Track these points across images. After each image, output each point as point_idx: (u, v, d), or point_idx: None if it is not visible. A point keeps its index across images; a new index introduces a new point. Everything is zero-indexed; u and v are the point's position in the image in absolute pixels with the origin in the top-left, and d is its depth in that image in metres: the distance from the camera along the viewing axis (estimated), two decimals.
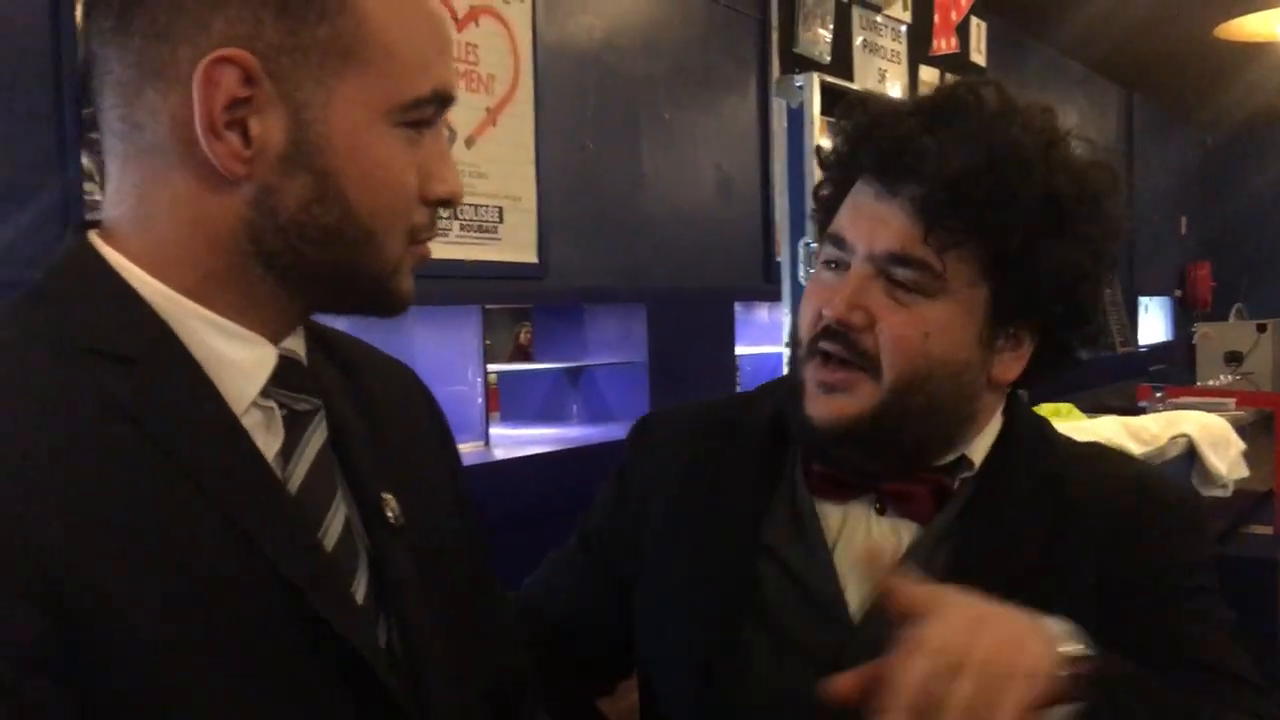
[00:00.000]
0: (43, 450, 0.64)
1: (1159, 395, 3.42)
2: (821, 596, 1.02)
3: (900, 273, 0.98)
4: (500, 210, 2.57)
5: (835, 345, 0.99)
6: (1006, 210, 0.96)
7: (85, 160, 1.75)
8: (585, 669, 1.18)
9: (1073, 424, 2.57)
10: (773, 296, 2.85)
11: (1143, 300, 7.09)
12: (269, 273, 0.73)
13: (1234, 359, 4.95)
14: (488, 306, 2.74)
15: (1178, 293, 7.73)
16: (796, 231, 2.24)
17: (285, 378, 0.75)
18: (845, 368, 0.99)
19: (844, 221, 1.03)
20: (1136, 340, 6.64)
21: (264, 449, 0.73)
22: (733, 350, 3.49)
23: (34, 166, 1.69)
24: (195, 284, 0.72)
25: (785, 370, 1.11)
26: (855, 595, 1.02)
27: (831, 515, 1.05)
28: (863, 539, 1.04)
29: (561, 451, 2.68)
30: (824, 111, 2.22)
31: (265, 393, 0.74)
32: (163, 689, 0.63)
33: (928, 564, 1.00)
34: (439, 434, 0.95)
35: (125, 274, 0.72)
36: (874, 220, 1.00)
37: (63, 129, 1.72)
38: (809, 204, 2.32)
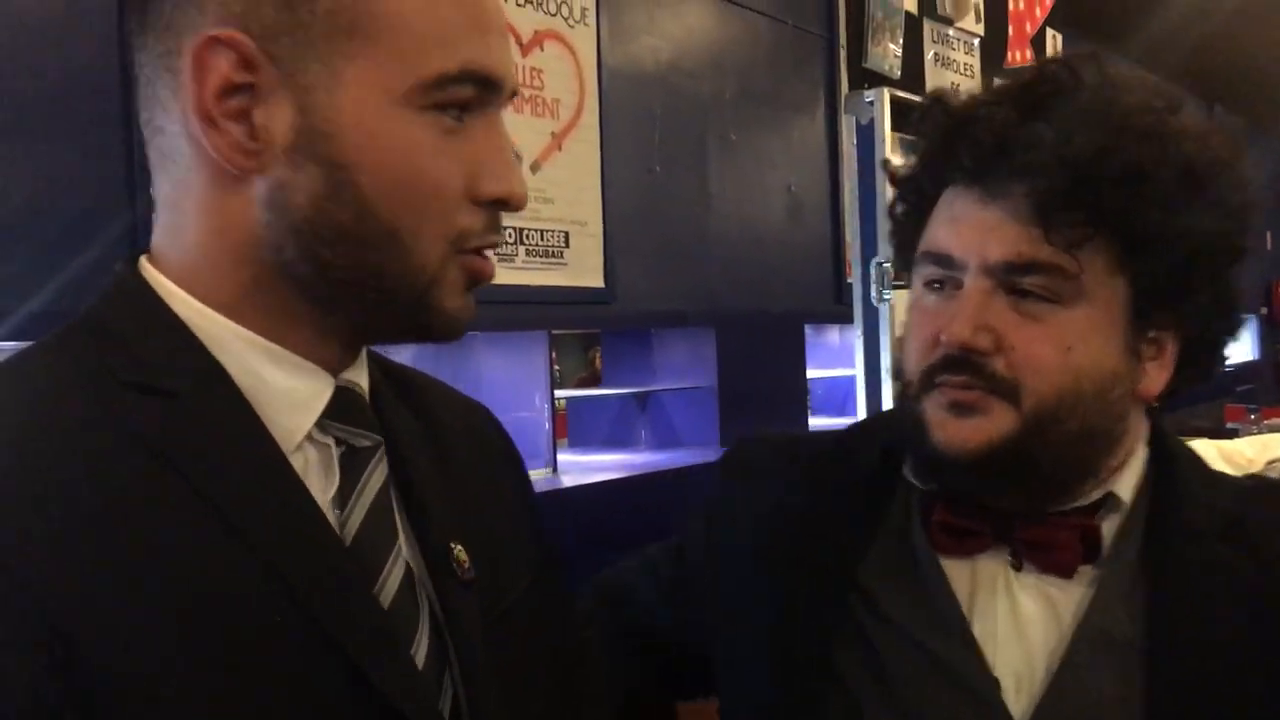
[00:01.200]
0: (63, 492, 0.59)
1: (1253, 416, 3.29)
2: (968, 680, 0.88)
3: (1026, 281, 0.86)
4: (566, 235, 2.55)
5: (960, 376, 0.87)
6: (1140, 187, 0.85)
7: (153, 190, 1.75)
8: (655, 680, 1.12)
9: None
10: (844, 319, 2.79)
11: None
12: (295, 286, 0.66)
13: None
14: (556, 331, 2.72)
15: (1264, 310, 7.51)
16: (868, 251, 2.19)
17: (343, 411, 0.69)
18: (978, 390, 0.87)
19: (943, 236, 0.91)
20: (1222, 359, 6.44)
21: (318, 490, 0.66)
22: (804, 374, 3.43)
23: (104, 197, 1.71)
24: (232, 303, 0.66)
25: (896, 408, 0.97)
26: (1008, 674, 0.87)
27: (957, 574, 0.91)
28: (1005, 604, 0.89)
29: (630, 478, 2.64)
30: (895, 127, 2.17)
31: (321, 427, 0.68)
32: None
33: (1114, 631, 0.86)
34: (517, 482, 0.87)
35: (168, 298, 0.67)
36: (981, 229, 0.88)
37: (132, 159, 1.74)
38: (880, 223, 2.28)
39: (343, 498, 0.67)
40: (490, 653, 0.71)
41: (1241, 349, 7.26)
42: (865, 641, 0.92)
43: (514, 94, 0.70)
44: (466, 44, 0.65)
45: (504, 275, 2.43)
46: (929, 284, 0.93)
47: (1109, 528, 0.91)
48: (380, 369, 0.78)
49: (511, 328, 2.54)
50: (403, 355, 2.76)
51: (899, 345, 0.97)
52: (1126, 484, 0.92)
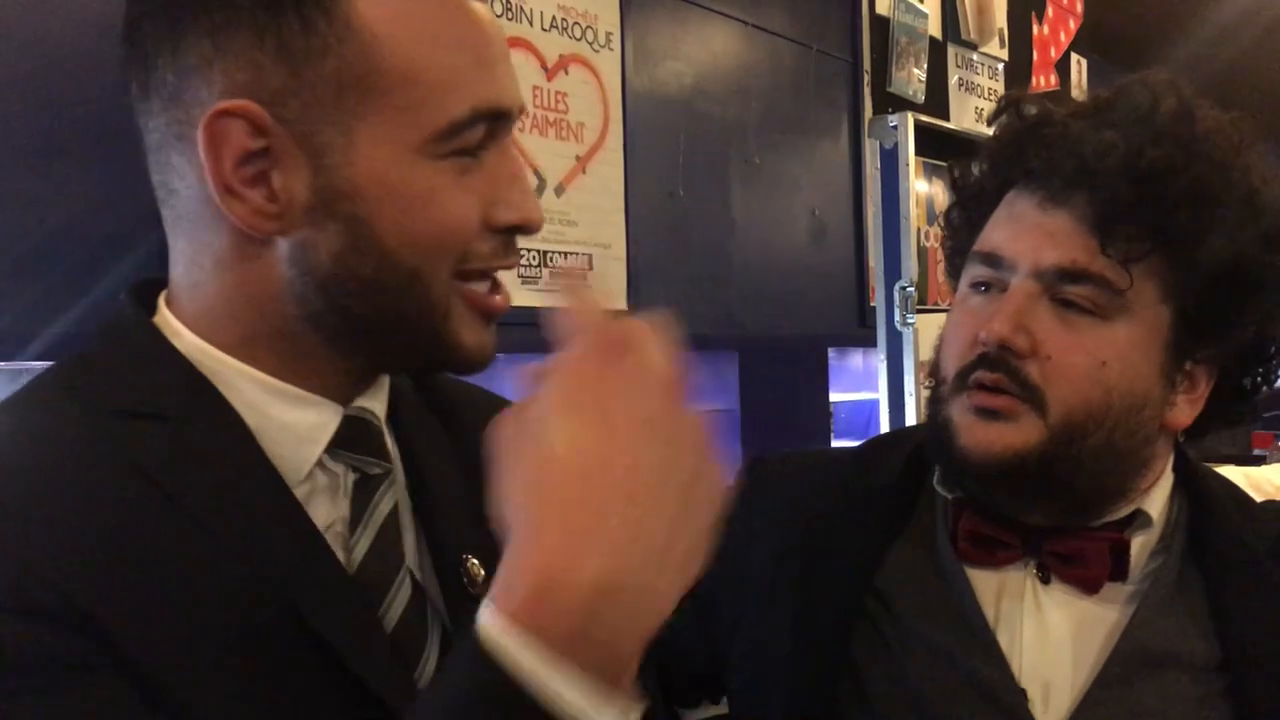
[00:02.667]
0: (71, 520, 0.59)
1: None
2: (995, 691, 0.87)
3: (1073, 290, 0.85)
4: (590, 258, 2.56)
5: (994, 375, 0.86)
6: (1205, 212, 0.84)
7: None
8: (665, 685, 1.11)
9: None
10: (868, 342, 2.78)
11: None
12: (317, 333, 0.67)
13: None
14: None
15: None
16: (892, 275, 2.19)
17: (352, 440, 0.70)
18: (1007, 395, 0.87)
19: (999, 236, 0.90)
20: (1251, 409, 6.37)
21: (327, 517, 0.67)
22: (827, 398, 3.42)
23: (139, 220, 1.73)
24: (242, 345, 0.67)
25: (927, 412, 0.96)
26: (1035, 686, 0.87)
27: (983, 584, 0.90)
28: (1031, 614, 0.89)
29: None
30: (919, 152, 2.17)
31: (333, 455, 0.69)
32: None
33: (1159, 648, 0.86)
34: None
35: (171, 335, 0.68)
36: (1039, 232, 0.87)
37: None
38: (904, 247, 2.28)
39: (352, 524, 0.68)
40: None
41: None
42: (884, 646, 0.91)
43: (522, 110, 0.70)
44: (475, 85, 0.65)
45: (528, 297, 2.44)
46: (975, 285, 0.92)
47: (1140, 544, 0.91)
48: (411, 379, 0.79)
49: (535, 350, 2.54)
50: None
51: (937, 348, 0.96)
52: (1155, 503, 0.92)
